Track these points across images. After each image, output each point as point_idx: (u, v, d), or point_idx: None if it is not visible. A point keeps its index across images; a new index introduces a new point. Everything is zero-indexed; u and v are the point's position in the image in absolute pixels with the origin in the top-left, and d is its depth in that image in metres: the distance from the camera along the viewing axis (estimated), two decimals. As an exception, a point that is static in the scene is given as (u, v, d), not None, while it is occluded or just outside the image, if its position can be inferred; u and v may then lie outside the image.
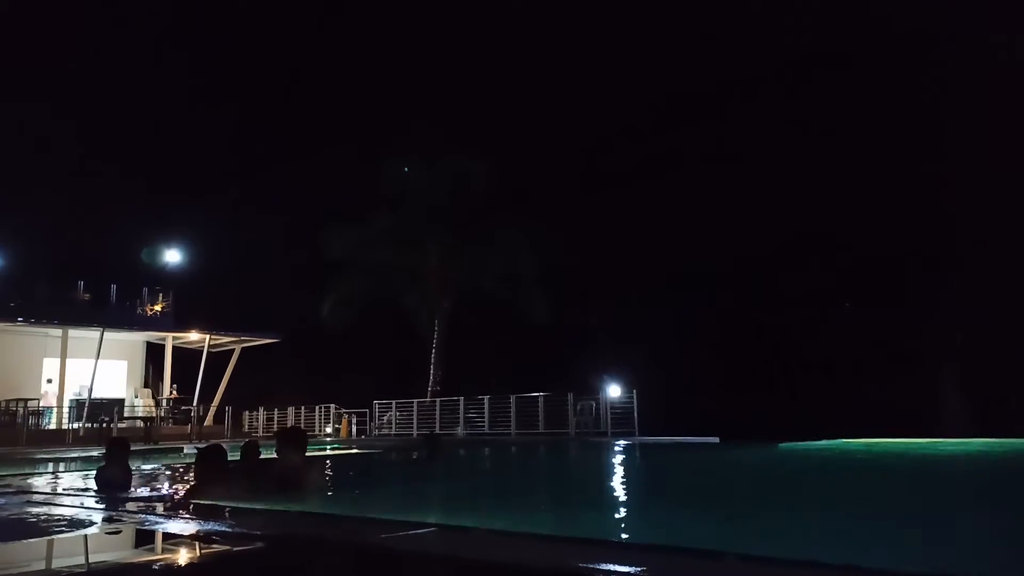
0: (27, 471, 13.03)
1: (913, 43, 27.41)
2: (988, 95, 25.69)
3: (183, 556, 4.08)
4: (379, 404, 28.28)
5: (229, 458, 7.62)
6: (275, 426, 30.16)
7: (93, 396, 24.39)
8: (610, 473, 12.12)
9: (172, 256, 31.89)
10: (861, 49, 29.75)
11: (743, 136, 32.27)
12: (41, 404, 24.55)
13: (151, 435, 23.11)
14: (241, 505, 5.90)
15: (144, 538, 4.60)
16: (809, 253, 29.52)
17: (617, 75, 35.71)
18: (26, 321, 24.97)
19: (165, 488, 10.08)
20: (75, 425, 23.57)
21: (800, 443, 15.44)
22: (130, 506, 6.09)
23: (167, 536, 4.55)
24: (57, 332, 25.35)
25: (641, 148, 34.34)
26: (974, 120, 26.06)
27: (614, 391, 21.73)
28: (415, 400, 27.73)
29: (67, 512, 5.57)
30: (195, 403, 26.75)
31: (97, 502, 6.63)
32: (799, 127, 30.20)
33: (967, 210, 26.27)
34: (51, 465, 14.58)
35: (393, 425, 27.50)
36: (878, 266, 28.14)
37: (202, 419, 27.25)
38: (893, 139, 28.64)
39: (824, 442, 15.84)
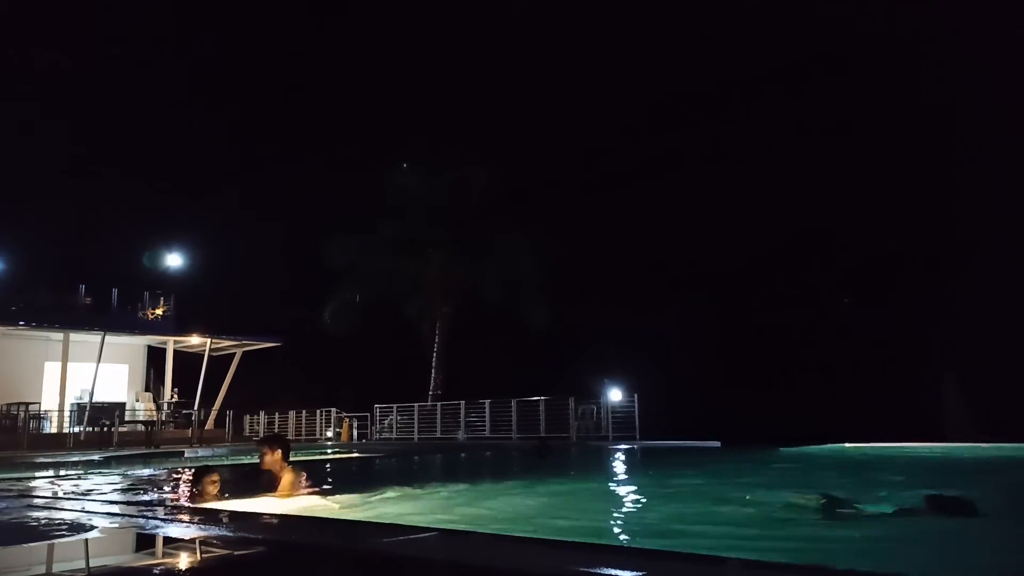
0: (28, 475, 13.02)
1: (913, 43, 27.39)
2: (989, 94, 25.67)
3: (183, 560, 4.08)
4: (380, 408, 28.25)
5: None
6: (276, 430, 30.14)
7: (94, 400, 24.38)
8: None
9: (173, 260, 31.89)
10: (861, 49, 29.73)
11: (743, 136, 32.26)
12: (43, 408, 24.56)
13: (152, 439, 23.10)
14: (238, 509, 5.89)
15: (144, 541, 4.59)
16: (809, 253, 29.49)
17: (617, 76, 35.71)
18: (27, 325, 24.94)
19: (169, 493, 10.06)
20: (76, 429, 23.56)
21: (801, 447, 15.44)
22: (130, 510, 6.08)
23: (167, 540, 4.53)
24: (58, 336, 25.33)
25: (641, 149, 34.32)
26: (975, 120, 26.04)
27: (615, 395, 21.67)
28: (416, 404, 27.70)
29: (68, 516, 5.56)
30: (196, 407, 26.72)
31: (101, 506, 6.61)
32: (799, 127, 30.17)
33: (968, 210, 26.24)
34: (52, 469, 14.56)
35: (394, 429, 27.46)
36: (878, 266, 28.10)
37: (203, 423, 27.24)
38: (893, 139, 28.63)
39: (825, 446, 15.86)
